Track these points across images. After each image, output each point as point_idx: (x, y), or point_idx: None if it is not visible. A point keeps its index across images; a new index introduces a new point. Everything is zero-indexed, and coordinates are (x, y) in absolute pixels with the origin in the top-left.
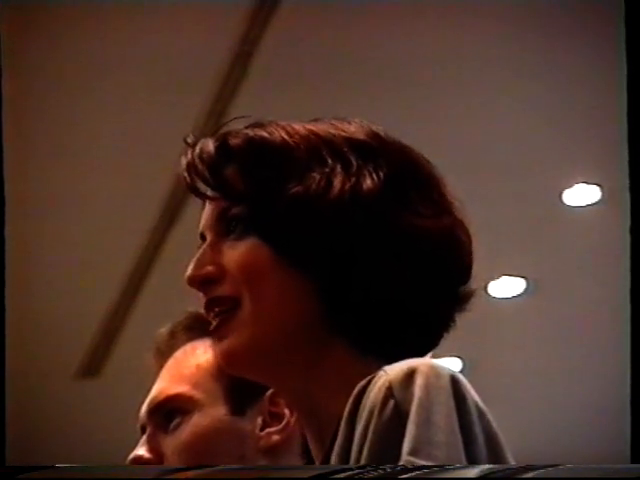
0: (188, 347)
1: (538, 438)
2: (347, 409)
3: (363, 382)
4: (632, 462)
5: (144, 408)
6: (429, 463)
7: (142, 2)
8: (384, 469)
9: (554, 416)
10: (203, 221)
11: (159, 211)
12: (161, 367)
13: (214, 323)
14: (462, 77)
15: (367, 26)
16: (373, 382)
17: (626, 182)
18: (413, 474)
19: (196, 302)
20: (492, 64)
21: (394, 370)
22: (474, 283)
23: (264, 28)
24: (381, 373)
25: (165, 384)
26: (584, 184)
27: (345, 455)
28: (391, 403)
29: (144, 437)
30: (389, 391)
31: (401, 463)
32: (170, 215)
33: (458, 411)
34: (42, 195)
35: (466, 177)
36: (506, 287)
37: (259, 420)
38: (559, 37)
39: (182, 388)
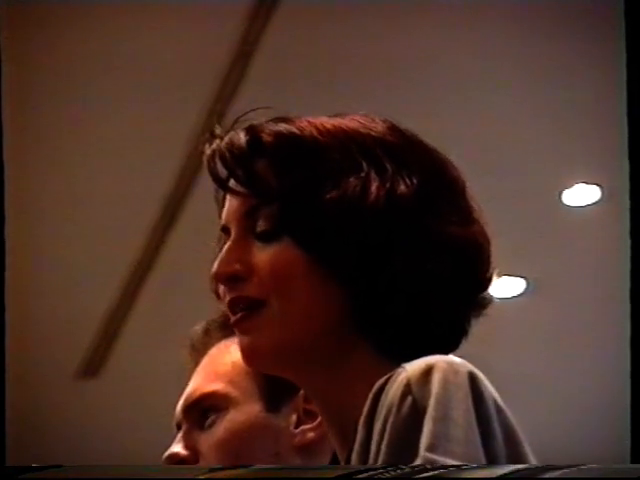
0: (222, 345)
1: (537, 438)
2: (366, 407)
3: (382, 380)
4: (632, 462)
5: (180, 406)
6: (447, 459)
7: (142, 2)
8: (403, 468)
9: (554, 416)
10: (227, 214)
11: (159, 211)
12: (196, 364)
13: (237, 316)
14: (461, 77)
15: (367, 26)
16: (392, 380)
17: (626, 182)
18: (432, 473)
19: (195, 301)
20: (492, 64)
21: (412, 367)
22: None
23: (264, 28)
24: (400, 370)
25: (200, 382)
26: (584, 184)
27: (364, 453)
28: (409, 399)
29: (180, 434)
30: (407, 388)
31: (418, 459)
32: (170, 215)
33: (476, 407)
34: (42, 195)
35: (465, 178)
36: (506, 287)
37: (294, 417)
38: (559, 37)
39: (217, 385)
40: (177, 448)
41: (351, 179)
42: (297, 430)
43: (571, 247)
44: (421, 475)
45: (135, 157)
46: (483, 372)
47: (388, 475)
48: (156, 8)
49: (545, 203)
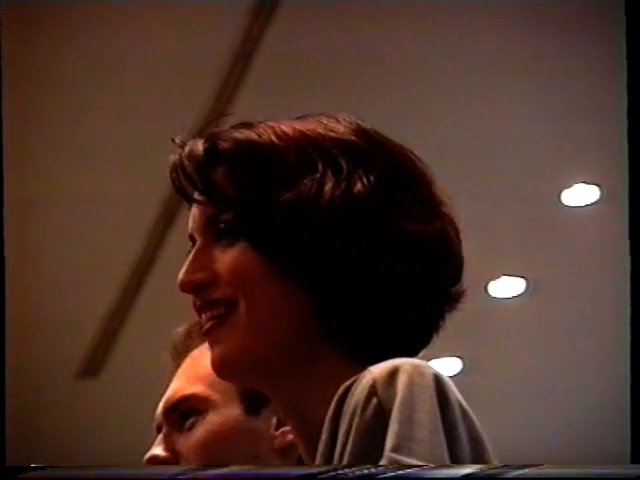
0: (204, 347)
1: (538, 438)
2: (331, 408)
3: (348, 382)
4: (632, 462)
5: (160, 407)
6: (411, 459)
7: (142, 2)
8: (369, 468)
9: (553, 416)
10: (191, 223)
11: (159, 211)
12: (177, 366)
13: (207, 325)
14: (461, 78)
15: (367, 26)
16: (357, 381)
17: (625, 182)
18: (396, 473)
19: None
20: (491, 64)
21: (378, 369)
22: (474, 283)
23: (264, 28)
24: (365, 372)
25: (181, 384)
26: (583, 184)
27: (329, 454)
28: (374, 401)
29: (160, 436)
30: (373, 389)
31: (383, 460)
32: (170, 215)
33: (441, 410)
34: (42, 195)
35: (465, 178)
36: (506, 287)
37: (274, 420)
38: (559, 37)
39: (197, 388)
40: (157, 450)
41: (306, 180)
42: (277, 432)
43: (571, 247)
44: (384, 475)
45: (135, 157)
46: (483, 371)
47: (352, 475)
48: (156, 8)
49: (544, 203)
